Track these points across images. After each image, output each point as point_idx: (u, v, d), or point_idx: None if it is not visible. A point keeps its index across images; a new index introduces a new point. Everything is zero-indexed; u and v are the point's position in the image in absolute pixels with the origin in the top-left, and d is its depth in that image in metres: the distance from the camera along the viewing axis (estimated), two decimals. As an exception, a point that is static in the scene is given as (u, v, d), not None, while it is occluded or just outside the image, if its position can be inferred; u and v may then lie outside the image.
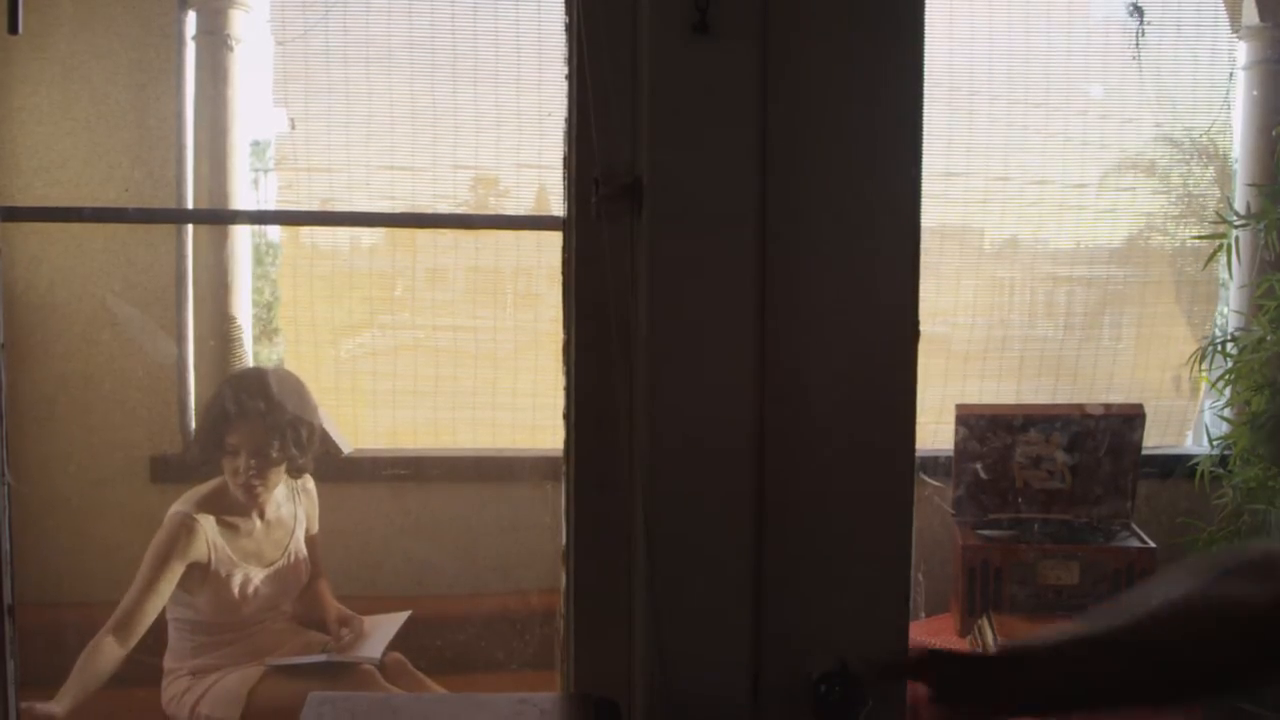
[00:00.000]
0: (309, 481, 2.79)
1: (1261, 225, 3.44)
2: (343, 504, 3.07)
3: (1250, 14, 3.67)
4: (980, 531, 3.11)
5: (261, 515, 2.68)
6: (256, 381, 2.75)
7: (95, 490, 3.07)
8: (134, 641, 2.54)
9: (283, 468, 2.67)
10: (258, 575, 2.65)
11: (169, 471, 3.09)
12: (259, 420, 2.64)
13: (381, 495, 3.29)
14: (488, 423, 3.42)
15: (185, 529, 2.57)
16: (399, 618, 2.80)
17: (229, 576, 2.61)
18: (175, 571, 2.56)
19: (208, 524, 2.60)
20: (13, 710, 1.63)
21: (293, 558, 2.71)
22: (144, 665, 2.63)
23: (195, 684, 2.58)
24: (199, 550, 2.57)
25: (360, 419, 3.42)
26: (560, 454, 1.58)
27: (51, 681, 2.65)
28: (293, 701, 2.39)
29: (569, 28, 1.47)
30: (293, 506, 2.74)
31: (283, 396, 2.69)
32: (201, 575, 2.59)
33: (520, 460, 3.32)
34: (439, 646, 2.98)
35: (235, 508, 2.65)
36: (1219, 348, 3.35)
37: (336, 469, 3.14)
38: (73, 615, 2.87)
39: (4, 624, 1.59)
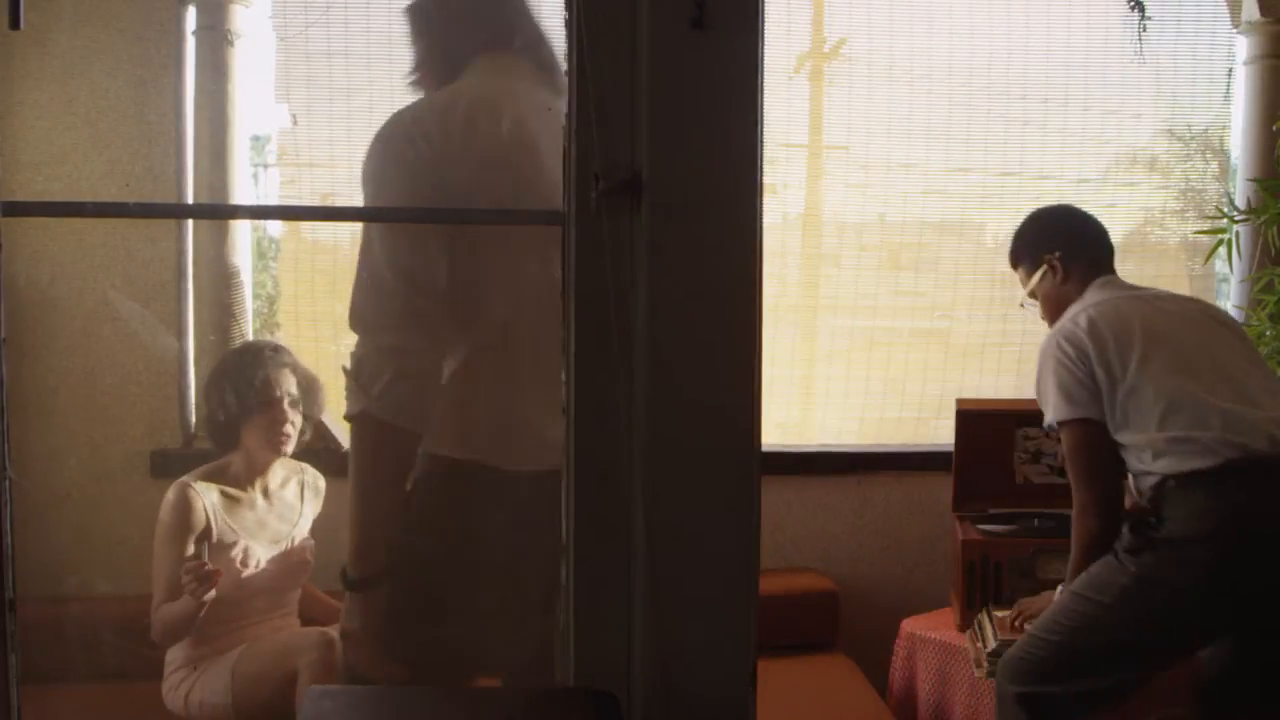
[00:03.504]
0: (319, 480, 2.79)
1: (1262, 220, 3.44)
2: (342, 499, 3.06)
3: (1250, 9, 3.67)
4: (980, 526, 3.11)
5: (266, 494, 2.68)
6: (255, 346, 2.92)
7: (96, 485, 3.08)
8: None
9: (300, 413, 2.68)
10: (260, 550, 2.63)
11: (170, 466, 3.09)
12: (272, 368, 2.66)
13: (382, 490, 3.28)
14: (488, 418, 3.41)
15: (182, 499, 2.57)
16: None
17: (230, 545, 2.59)
18: (186, 546, 2.56)
19: (206, 492, 2.60)
20: (14, 705, 1.63)
21: (297, 544, 2.71)
22: (147, 659, 2.64)
23: (190, 674, 2.58)
24: (198, 518, 2.57)
25: (360, 414, 3.41)
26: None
27: (54, 676, 2.65)
28: (273, 671, 2.42)
29: (568, 23, 1.47)
30: (299, 499, 2.74)
31: (281, 353, 2.75)
32: (203, 543, 2.58)
33: (520, 455, 3.31)
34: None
35: (238, 481, 2.65)
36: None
37: (336, 464, 3.14)
38: (74, 610, 2.87)
39: (5, 618, 1.60)
